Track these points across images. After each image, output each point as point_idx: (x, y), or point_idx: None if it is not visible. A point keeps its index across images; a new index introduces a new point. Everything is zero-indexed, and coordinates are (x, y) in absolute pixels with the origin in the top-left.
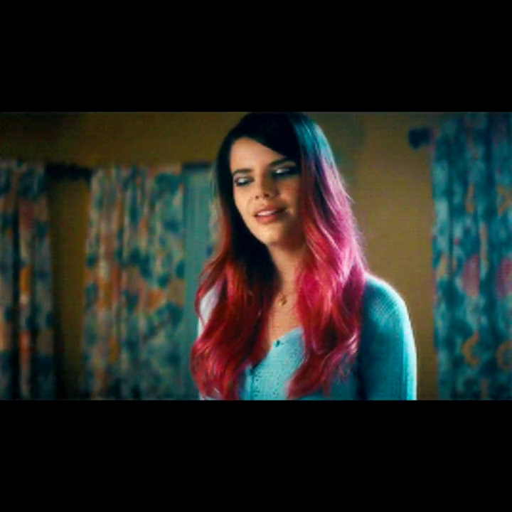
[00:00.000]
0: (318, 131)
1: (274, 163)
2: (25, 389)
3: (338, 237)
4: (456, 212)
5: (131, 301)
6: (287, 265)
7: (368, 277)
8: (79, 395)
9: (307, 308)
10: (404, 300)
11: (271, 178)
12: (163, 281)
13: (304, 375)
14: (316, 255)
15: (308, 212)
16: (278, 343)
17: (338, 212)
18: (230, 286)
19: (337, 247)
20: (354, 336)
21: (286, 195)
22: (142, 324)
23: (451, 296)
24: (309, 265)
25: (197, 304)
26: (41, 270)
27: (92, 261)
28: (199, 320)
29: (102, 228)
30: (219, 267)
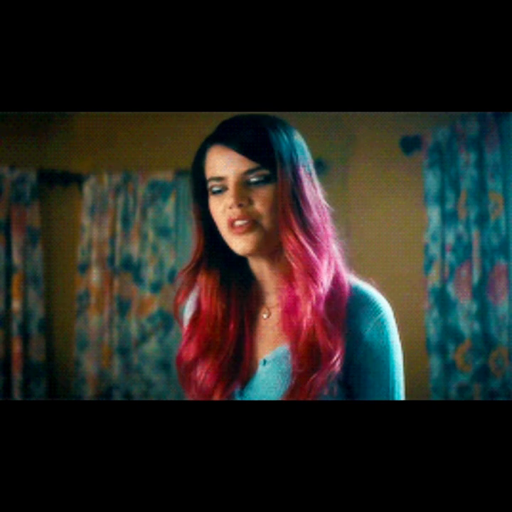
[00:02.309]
0: (297, 138)
1: (249, 172)
2: (17, 395)
3: (317, 248)
4: (448, 218)
5: (123, 308)
6: (267, 276)
7: (354, 283)
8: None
9: (291, 324)
10: (396, 306)
11: (245, 187)
12: (155, 287)
13: (292, 398)
14: (294, 265)
15: (285, 222)
16: (265, 362)
17: (315, 222)
18: (203, 297)
19: (315, 257)
20: (337, 354)
21: (260, 205)
22: (134, 330)
23: (443, 302)
24: (289, 277)
25: (176, 310)
26: (33, 276)
27: (84, 267)
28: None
29: (94, 234)
30: (192, 274)
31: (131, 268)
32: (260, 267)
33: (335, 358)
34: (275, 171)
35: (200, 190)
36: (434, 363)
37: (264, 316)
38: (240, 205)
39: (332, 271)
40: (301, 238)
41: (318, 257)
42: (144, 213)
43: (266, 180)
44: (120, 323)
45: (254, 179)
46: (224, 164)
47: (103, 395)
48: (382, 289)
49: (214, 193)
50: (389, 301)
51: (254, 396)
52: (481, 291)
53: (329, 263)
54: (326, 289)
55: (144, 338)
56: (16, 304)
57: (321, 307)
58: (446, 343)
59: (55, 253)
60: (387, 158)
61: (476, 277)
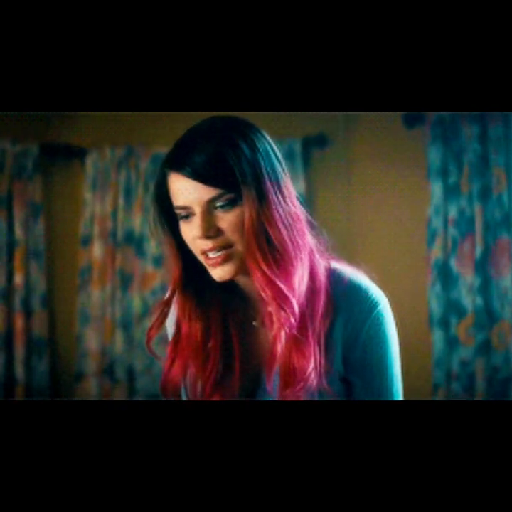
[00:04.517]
0: (260, 143)
1: (212, 200)
2: (19, 370)
3: (285, 270)
4: (451, 192)
5: (126, 282)
6: (254, 288)
7: (347, 277)
8: (73, 376)
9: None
10: (399, 280)
11: (211, 215)
12: (158, 261)
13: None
14: (264, 295)
15: (249, 254)
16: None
17: (283, 243)
18: (180, 319)
19: (283, 287)
20: (310, 368)
21: (230, 232)
22: (137, 305)
23: (445, 276)
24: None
25: (148, 342)
26: (35, 251)
27: (87, 241)
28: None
29: (96, 209)
30: (169, 304)
31: (134, 242)
32: (244, 282)
33: (308, 371)
34: (239, 191)
35: (167, 214)
36: (437, 337)
37: (255, 323)
38: (208, 237)
39: (305, 282)
40: (267, 270)
41: (287, 281)
42: (146, 187)
43: (232, 202)
44: (122, 298)
45: (220, 203)
46: (185, 193)
47: (105, 370)
48: (385, 263)
49: (182, 218)
50: (392, 276)
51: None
52: (483, 266)
53: (301, 278)
54: (299, 307)
55: (146, 312)
56: (18, 279)
57: (294, 330)
58: (449, 317)
59: (57, 227)
60: (390, 132)
61: (478, 251)
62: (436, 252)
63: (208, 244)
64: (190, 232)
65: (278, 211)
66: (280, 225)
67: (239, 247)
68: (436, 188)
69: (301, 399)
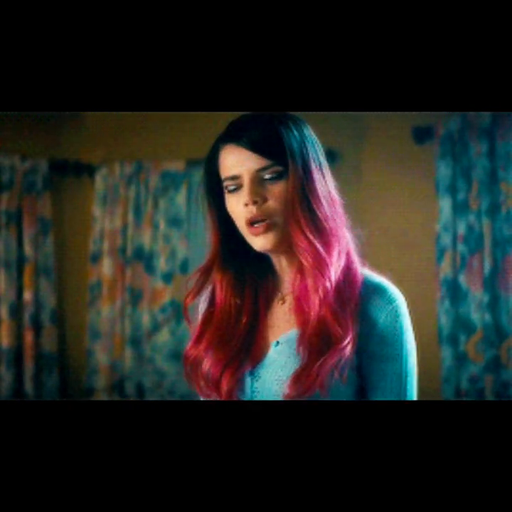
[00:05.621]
0: (307, 132)
1: (262, 169)
2: (29, 386)
3: (326, 241)
4: (459, 208)
5: (135, 298)
6: (286, 266)
7: (366, 274)
8: (83, 391)
9: (302, 311)
10: (408, 297)
11: (259, 185)
12: (167, 277)
13: (299, 379)
14: (304, 261)
15: (294, 219)
16: (277, 343)
17: (325, 216)
18: (217, 293)
19: (324, 253)
20: (348, 339)
21: (275, 202)
22: (146, 321)
23: (454, 292)
24: (301, 269)
25: (185, 310)
26: (45, 267)
27: (96, 257)
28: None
29: (105, 225)
30: (206, 273)
31: (143, 258)
32: (279, 259)
33: (345, 342)
34: (287, 166)
35: (216, 191)
36: (446, 353)
37: (280, 303)
38: (255, 202)
39: (342, 261)
40: (309, 235)
41: (327, 251)
42: (155, 203)
43: (279, 176)
44: (132, 314)
45: (267, 176)
46: (237, 163)
47: (115, 385)
48: (394, 279)
49: (230, 192)
50: (401, 291)
51: (265, 375)
52: (492, 282)
53: (339, 254)
54: (335, 281)
55: (156, 328)
56: (28, 295)
57: (330, 298)
58: (458, 334)
59: (66, 244)
60: (399, 148)
61: (487, 268)
62: (445, 269)
63: (252, 210)
64: (237, 202)
65: (320, 188)
66: (322, 199)
67: (281, 218)
68: (445, 204)
69: (327, 368)
